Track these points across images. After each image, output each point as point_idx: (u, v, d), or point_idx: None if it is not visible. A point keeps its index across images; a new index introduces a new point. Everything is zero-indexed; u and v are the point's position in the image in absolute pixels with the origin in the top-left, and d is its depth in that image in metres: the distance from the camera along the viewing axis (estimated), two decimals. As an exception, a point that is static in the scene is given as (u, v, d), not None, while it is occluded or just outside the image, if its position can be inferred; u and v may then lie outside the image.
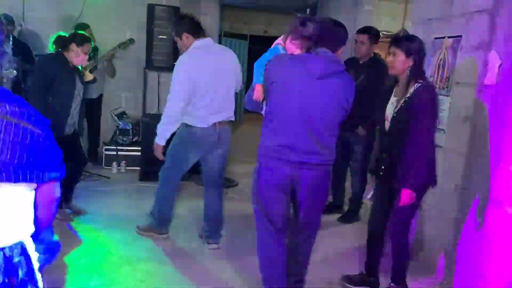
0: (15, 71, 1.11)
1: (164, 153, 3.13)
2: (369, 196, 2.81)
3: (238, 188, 4.82)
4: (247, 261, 2.99)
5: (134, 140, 5.18)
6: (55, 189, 1.29)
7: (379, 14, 5.59)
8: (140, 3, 5.22)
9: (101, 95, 5.21)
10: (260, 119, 2.39)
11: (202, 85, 2.92)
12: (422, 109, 2.38)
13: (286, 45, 2.30)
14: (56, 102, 3.35)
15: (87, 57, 3.50)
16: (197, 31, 3.03)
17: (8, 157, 1.07)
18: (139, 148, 4.90)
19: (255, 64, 2.34)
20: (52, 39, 3.47)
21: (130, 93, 5.62)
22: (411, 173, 2.41)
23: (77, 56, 3.38)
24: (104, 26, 5.12)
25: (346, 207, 4.11)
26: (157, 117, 5.03)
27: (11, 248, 1.16)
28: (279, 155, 2.23)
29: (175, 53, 4.96)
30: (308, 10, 6.37)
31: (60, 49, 3.38)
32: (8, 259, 1.15)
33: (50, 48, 3.51)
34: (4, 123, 1.08)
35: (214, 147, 3.10)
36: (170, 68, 5.04)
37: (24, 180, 1.10)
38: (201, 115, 2.98)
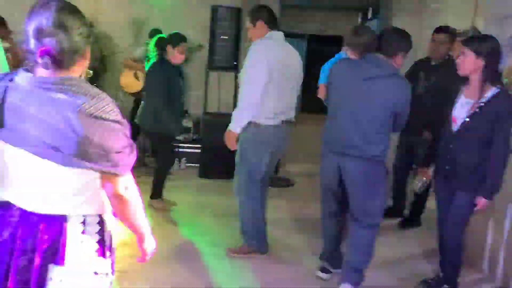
0: (91, 71, 1.20)
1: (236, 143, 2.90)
2: (418, 187, 2.82)
3: (294, 188, 4.81)
4: (294, 263, 3.01)
5: (194, 137, 5.34)
6: (110, 184, 1.23)
7: (446, 12, 5.32)
8: (203, 4, 5.37)
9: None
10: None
11: (272, 77, 2.77)
12: (506, 119, 2.33)
13: (346, 51, 2.75)
14: (174, 105, 3.50)
15: (184, 56, 3.60)
16: (273, 22, 2.92)
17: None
18: (199, 145, 5.04)
19: (322, 67, 2.82)
20: (153, 42, 3.63)
21: (192, 92, 5.79)
22: (489, 183, 2.39)
23: (174, 57, 3.52)
24: (169, 28, 5.31)
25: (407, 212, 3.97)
26: (217, 116, 5.21)
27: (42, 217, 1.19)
28: (329, 146, 2.61)
29: (236, 53, 5.06)
30: (370, 9, 6.23)
31: (161, 51, 3.54)
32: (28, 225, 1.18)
33: (151, 50, 3.67)
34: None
35: (280, 146, 3.02)
36: (231, 68, 5.19)
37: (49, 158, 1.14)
38: (271, 113, 2.83)
